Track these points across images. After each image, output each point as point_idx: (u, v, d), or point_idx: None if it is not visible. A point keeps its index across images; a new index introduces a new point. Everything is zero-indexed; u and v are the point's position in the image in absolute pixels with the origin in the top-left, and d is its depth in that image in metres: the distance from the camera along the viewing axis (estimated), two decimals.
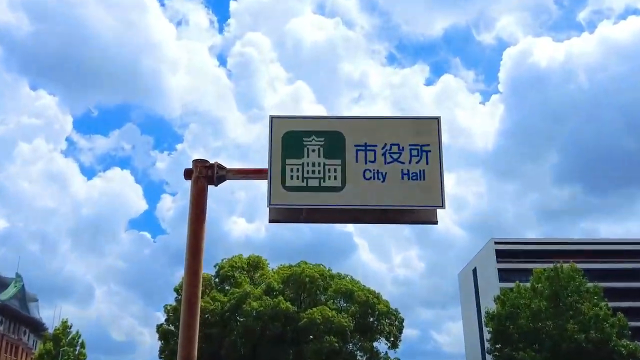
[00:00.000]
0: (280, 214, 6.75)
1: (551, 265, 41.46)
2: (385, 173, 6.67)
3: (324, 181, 6.61)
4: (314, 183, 6.60)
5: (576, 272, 38.51)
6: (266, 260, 47.51)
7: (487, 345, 41.12)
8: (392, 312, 43.68)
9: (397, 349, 42.56)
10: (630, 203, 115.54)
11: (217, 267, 46.36)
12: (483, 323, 45.69)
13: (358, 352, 41.65)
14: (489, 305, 44.53)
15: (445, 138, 6.86)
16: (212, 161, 6.70)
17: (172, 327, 39.96)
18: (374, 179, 6.65)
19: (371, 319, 43.18)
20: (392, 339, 42.35)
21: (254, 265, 46.90)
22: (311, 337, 39.20)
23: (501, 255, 70.59)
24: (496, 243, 72.36)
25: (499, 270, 69.12)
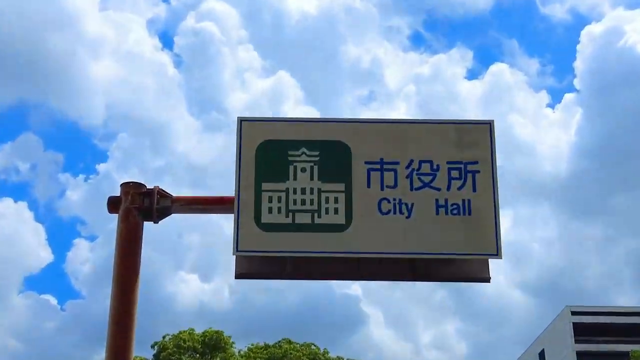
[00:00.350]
0: (252, 266, 5.96)
1: None
2: (412, 205, 5.91)
3: (320, 216, 5.85)
4: (304, 219, 5.84)
5: None
6: (230, 338, 39.35)
7: None
8: None
9: None
10: None
11: (157, 347, 37.65)
12: None
13: None
14: None
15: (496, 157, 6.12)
16: (150, 186, 6.04)
17: None
18: (394, 212, 5.89)
19: None
20: None
21: (212, 344, 38.18)
22: None
23: (581, 331, 54.42)
24: (574, 314, 56.18)
25: (578, 354, 54.18)
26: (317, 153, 6.02)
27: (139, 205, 5.94)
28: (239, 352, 39.38)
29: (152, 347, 37.77)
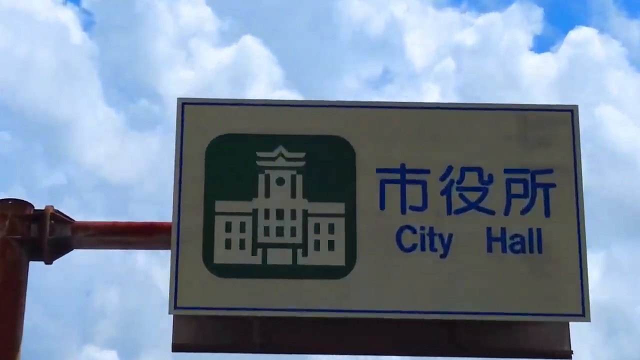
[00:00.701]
0: (199, 333, 5.33)
1: None
2: (451, 236, 5.33)
3: (306, 254, 5.26)
4: (281, 259, 5.27)
5: None
6: None
7: None
8: None
9: None
10: None
11: None
12: None
13: None
14: None
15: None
16: (41, 206, 5.58)
17: None
18: (423, 248, 5.31)
19: None
20: None
21: None
22: None
23: None
24: None
25: None
26: (302, 155, 5.46)
27: (23, 235, 5.40)
28: None
29: None
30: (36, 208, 5.49)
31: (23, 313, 5.41)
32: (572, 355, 5.42)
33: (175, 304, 5.06)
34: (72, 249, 5.59)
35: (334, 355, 5.98)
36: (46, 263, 5.47)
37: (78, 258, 5.58)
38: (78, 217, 5.61)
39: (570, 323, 5.37)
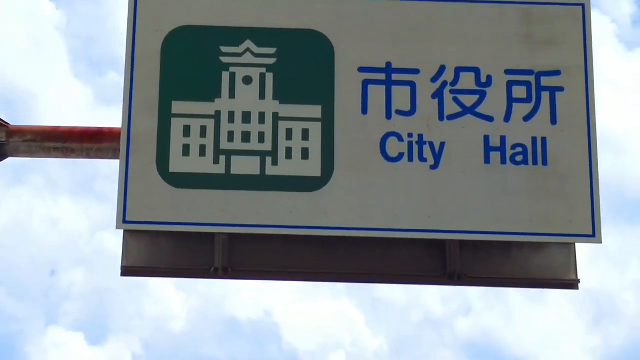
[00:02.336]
0: (152, 253, 4.75)
1: None
2: (443, 145, 4.86)
3: (276, 162, 4.79)
4: (247, 167, 4.78)
5: None
6: None
7: None
8: None
9: None
10: None
11: None
12: None
13: None
14: None
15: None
16: None
17: None
18: (411, 158, 4.83)
19: None
20: None
21: None
22: None
23: None
24: None
25: None
26: (273, 51, 4.93)
27: None
28: None
29: None
30: None
31: None
32: (579, 285, 4.88)
33: (124, 218, 4.52)
34: (7, 157, 5.04)
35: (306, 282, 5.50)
36: None
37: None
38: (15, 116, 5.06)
39: (578, 249, 4.84)
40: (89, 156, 5.14)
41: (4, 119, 5.06)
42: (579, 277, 4.94)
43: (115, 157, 4.83)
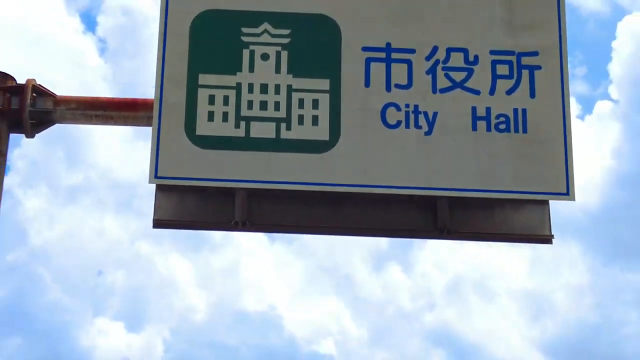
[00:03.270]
0: (180, 208, 5.07)
1: None
2: (435, 114, 5.16)
3: (290, 128, 5.09)
4: (264, 132, 5.09)
5: None
6: None
7: None
8: None
9: None
10: None
11: None
12: None
13: None
14: None
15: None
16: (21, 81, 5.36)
17: None
18: (407, 126, 5.14)
19: None
20: None
21: None
22: None
23: None
24: None
25: None
26: (287, 32, 5.24)
27: (3, 107, 5.14)
28: None
29: None
30: (18, 81, 5.26)
31: (2, 184, 5.17)
32: (553, 240, 5.20)
33: (155, 173, 4.86)
34: (54, 123, 5.33)
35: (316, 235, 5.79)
36: (27, 136, 5.27)
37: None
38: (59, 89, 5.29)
39: (552, 204, 5.14)
40: (125, 123, 5.52)
41: (49, 89, 5.24)
42: (552, 234, 5.13)
43: (148, 124, 5.12)
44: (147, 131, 5.25)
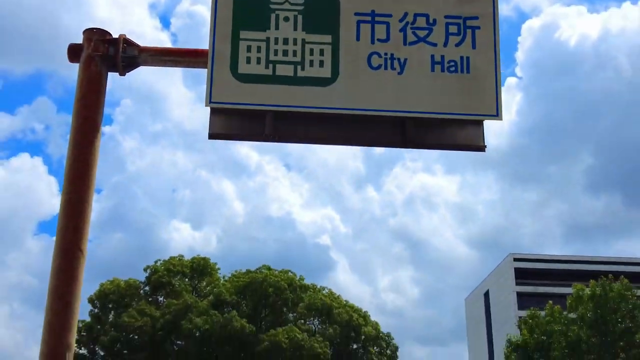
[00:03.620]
0: (228, 124, 6.15)
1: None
2: (405, 60, 6.18)
3: (303, 69, 6.11)
4: (285, 71, 6.09)
5: (629, 290, 38.11)
6: (215, 264, 47.30)
7: None
8: (382, 338, 44.56)
9: None
10: None
11: (149, 270, 44.75)
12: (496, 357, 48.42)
13: None
14: (502, 336, 44.00)
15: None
16: (115, 35, 6.30)
17: (84, 351, 39.08)
18: (385, 68, 6.16)
19: (355, 346, 43.88)
20: None
21: (200, 270, 45.76)
22: None
23: (521, 275, 70.16)
24: (516, 260, 72.11)
25: (518, 294, 68.82)
26: (302, 1, 6.30)
27: (103, 53, 6.14)
28: (223, 277, 46.87)
29: (145, 270, 45.05)
30: (112, 35, 6.16)
31: (102, 109, 6.07)
32: (485, 148, 6.20)
33: (210, 99, 5.91)
34: (138, 65, 6.28)
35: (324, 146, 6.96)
36: (120, 74, 6.18)
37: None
38: None
39: (486, 124, 6.22)
40: (188, 66, 6.51)
41: (135, 41, 6.28)
42: (485, 144, 6.19)
43: (204, 67, 6.11)
44: (204, 74, 6.07)
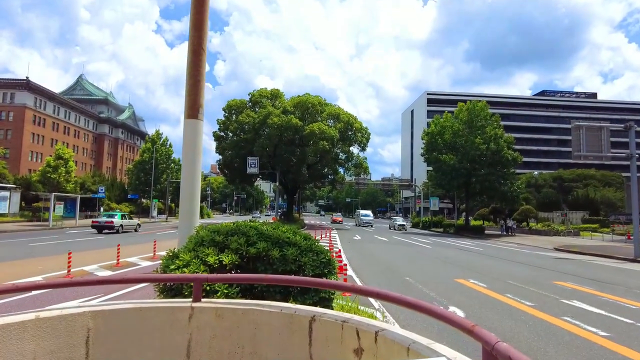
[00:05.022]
0: None
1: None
2: None
3: None
4: None
5: (485, 106, 72.49)
6: (282, 92, 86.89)
7: (420, 152, 78.31)
8: (363, 129, 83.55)
9: (364, 151, 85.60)
10: (508, 76, 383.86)
11: (250, 95, 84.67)
12: (413, 145, 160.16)
13: (340, 152, 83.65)
14: (419, 134, 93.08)
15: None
16: None
17: (222, 133, 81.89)
18: None
19: (350, 133, 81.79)
20: (362, 145, 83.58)
21: (275, 95, 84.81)
22: (311, 142, 75.25)
23: (431, 102, 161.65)
24: (428, 94, 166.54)
25: (428, 111, 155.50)
26: None
27: None
28: (286, 99, 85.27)
29: (248, 95, 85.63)
30: None
31: None
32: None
33: None
34: None
35: None
36: None
37: None
38: None
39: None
40: None
41: None
42: None
43: None
44: None
